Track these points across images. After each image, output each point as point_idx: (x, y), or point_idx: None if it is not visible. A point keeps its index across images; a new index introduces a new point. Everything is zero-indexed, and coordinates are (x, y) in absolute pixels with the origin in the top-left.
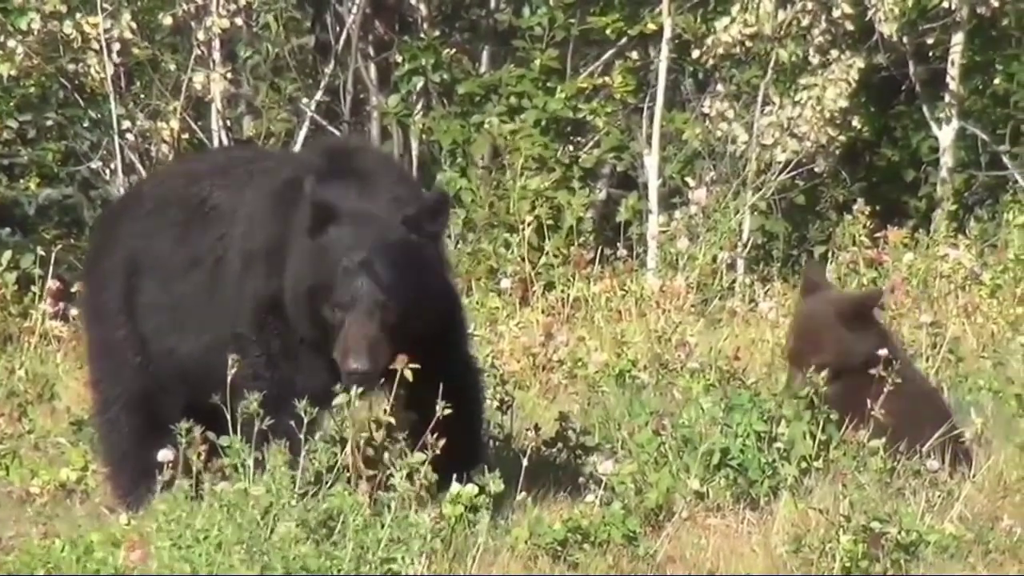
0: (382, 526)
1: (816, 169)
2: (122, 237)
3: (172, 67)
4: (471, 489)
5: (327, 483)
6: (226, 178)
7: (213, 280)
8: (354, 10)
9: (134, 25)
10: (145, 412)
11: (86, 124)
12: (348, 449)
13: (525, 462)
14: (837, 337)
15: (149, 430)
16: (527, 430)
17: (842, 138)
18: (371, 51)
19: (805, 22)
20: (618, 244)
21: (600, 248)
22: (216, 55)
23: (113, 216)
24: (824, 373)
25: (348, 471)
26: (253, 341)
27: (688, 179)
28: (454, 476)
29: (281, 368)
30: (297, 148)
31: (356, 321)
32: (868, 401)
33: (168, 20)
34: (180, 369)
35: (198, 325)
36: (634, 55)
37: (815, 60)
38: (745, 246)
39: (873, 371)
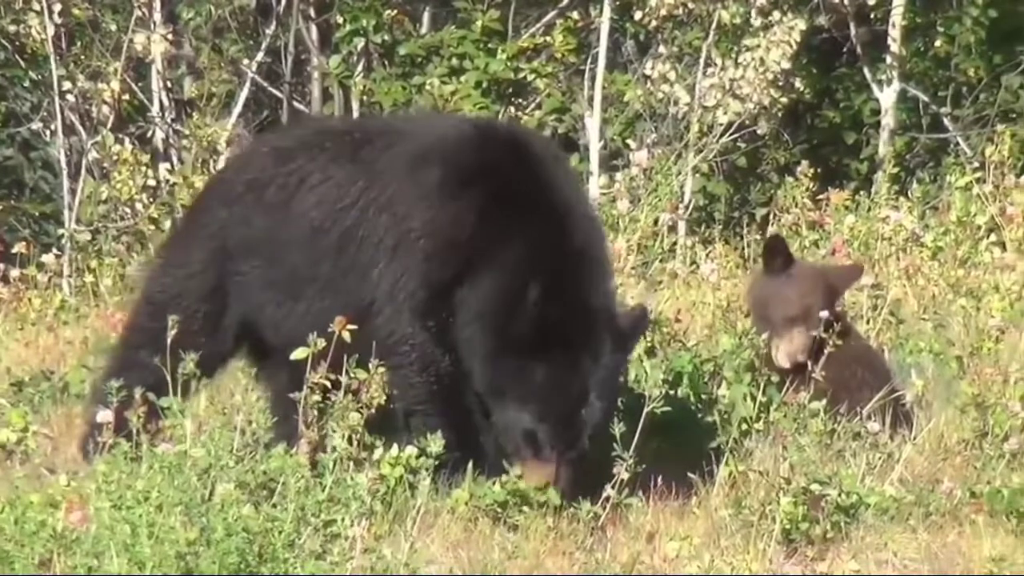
0: (322, 488)
1: (758, 131)
2: (209, 226)
3: (113, 28)
4: (411, 451)
5: (266, 445)
6: (324, 152)
7: (342, 251)
8: None
9: None
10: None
11: (26, 85)
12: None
13: None
14: (829, 307)
15: None
16: None
17: (784, 100)
18: (312, 12)
19: None
20: None
21: None
22: (157, 16)
23: (199, 205)
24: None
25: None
26: (420, 320)
27: (629, 141)
28: None
29: (441, 349)
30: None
31: (568, 466)
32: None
33: None
34: (288, 338)
35: (318, 293)
36: (575, 15)
37: (757, 22)
38: (687, 208)
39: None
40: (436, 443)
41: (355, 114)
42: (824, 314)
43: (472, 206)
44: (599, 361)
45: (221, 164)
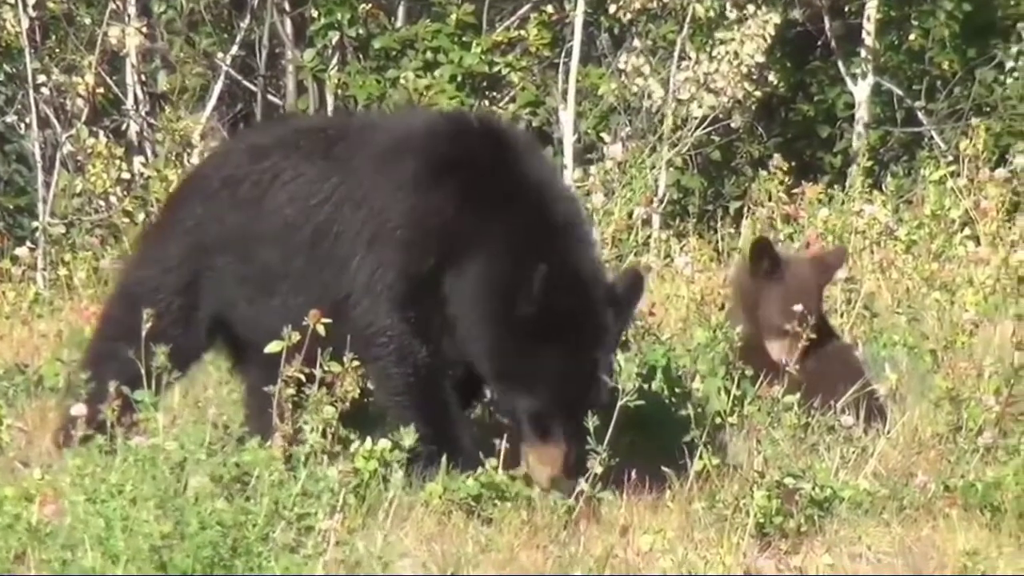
0: (296, 481)
1: (732, 124)
2: (185, 221)
3: (87, 21)
4: (385, 444)
5: (240, 439)
6: (298, 149)
7: (315, 246)
8: None
9: None
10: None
11: (1, 78)
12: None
13: None
14: (820, 301)
15: None
16: None
17: (758, 93)
18: (286, 5)
19: None
20: None
21: None
22: (131, 9)
23: (176, 200)
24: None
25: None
26: (399, 311)
27: (603, 134)
28: None
29: (419, 340)
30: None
31: (576, 444)
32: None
33: None
34: (262, 334)
35: (291, 288)
36: (549, 9)
37: (732, 15)
38: (661, 202)
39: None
40: (409, 436)
41: (330, 107)
42: (799, 308)
43: (450, 194)
44: (603, 337)
45: (196, 158)
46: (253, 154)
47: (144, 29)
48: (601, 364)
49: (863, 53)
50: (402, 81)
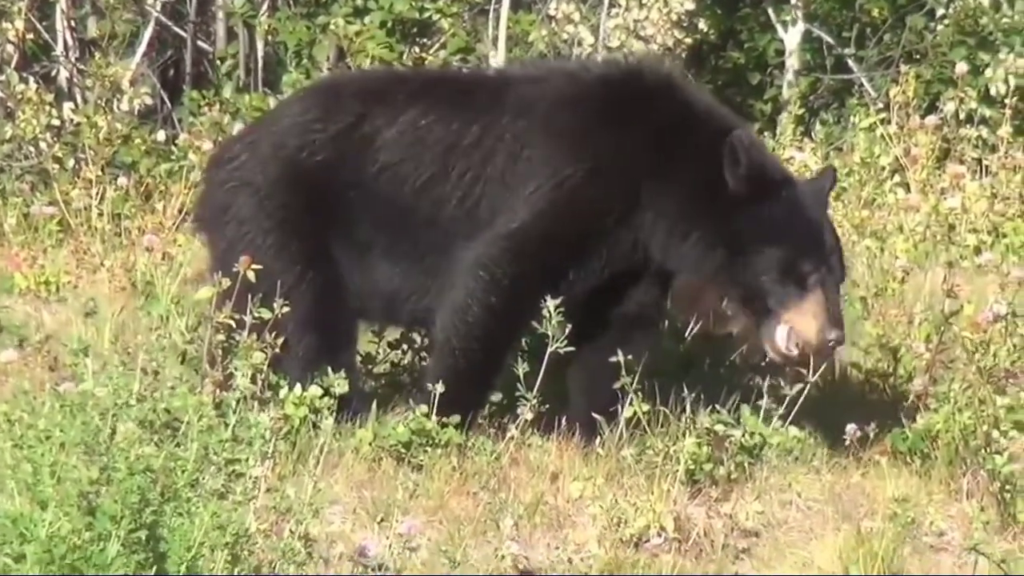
0: (226, 427)
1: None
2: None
3: None
4: (315, 391)
5: (172, 386)
6: (418, 99)
7: (463, 198)
8: None
9: None
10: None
11: None
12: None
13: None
14: None
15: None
16: (371, 330)
17: (688, 40)
18: None
19: None
20: None
21: None
22: None
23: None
24: None
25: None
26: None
27: None
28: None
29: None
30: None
31: (832, 293)
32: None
33: None
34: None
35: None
36: None
37: None
38: None
39: None
40: (340, 384)
41: (259, 54)
42: None
43: (637, 135)
44: (821, 198)
45: (125, 104)
46: (365, 101)
47: None
48: (827, 225)
49: (793, 0)
50: (332, 27)
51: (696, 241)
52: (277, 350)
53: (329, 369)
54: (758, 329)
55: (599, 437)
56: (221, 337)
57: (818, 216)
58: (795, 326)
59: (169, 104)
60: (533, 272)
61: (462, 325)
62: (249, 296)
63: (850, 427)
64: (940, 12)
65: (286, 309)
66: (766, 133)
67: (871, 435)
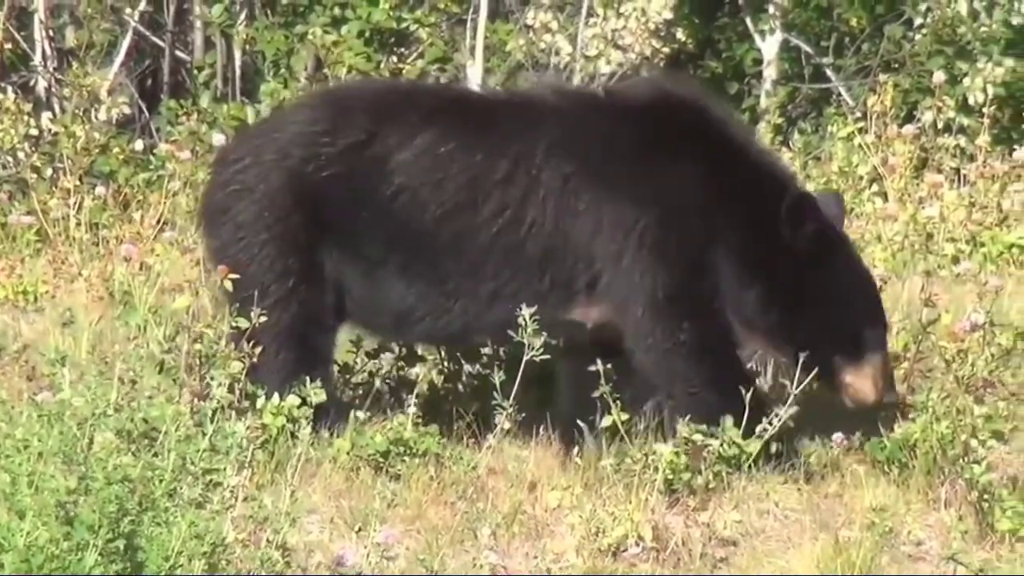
0: (203, 436)
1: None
2: (299, 197)
3: None
4: (293, 400)
5: (149, 395)
6: (432, 119)
7: (499, 232)
8: None
9: None
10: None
11: None
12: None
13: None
14: None
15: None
16: (350, 340)
17: (666, 50)
18: None
19: None
20: None
21: None
22: None
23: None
24: None
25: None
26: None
27: None
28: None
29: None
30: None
31: (886, 353)
32: None
33: None
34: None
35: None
36: None
37: None
38: None
39: None
40: (317, 394)
41: (237, 63)
42: None
43: (695, 173)
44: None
45: (103, 114)
46: (376, 118)
47: None
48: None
49: (771, 9)
50: (310, 37)
51: (758, 293)
52: (255, 360)
53: (307, 379)
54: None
55: (577, 446)
56: (199, 347)
57: (870, 274)
58: (854, 386)
59: (147, 113)
60: (697, 315)
61: (695, 404)
62: (233, 302)
63: (837, 436)
64: (918, 21)
65: (270, 320)
66: None
67: (856, 444)
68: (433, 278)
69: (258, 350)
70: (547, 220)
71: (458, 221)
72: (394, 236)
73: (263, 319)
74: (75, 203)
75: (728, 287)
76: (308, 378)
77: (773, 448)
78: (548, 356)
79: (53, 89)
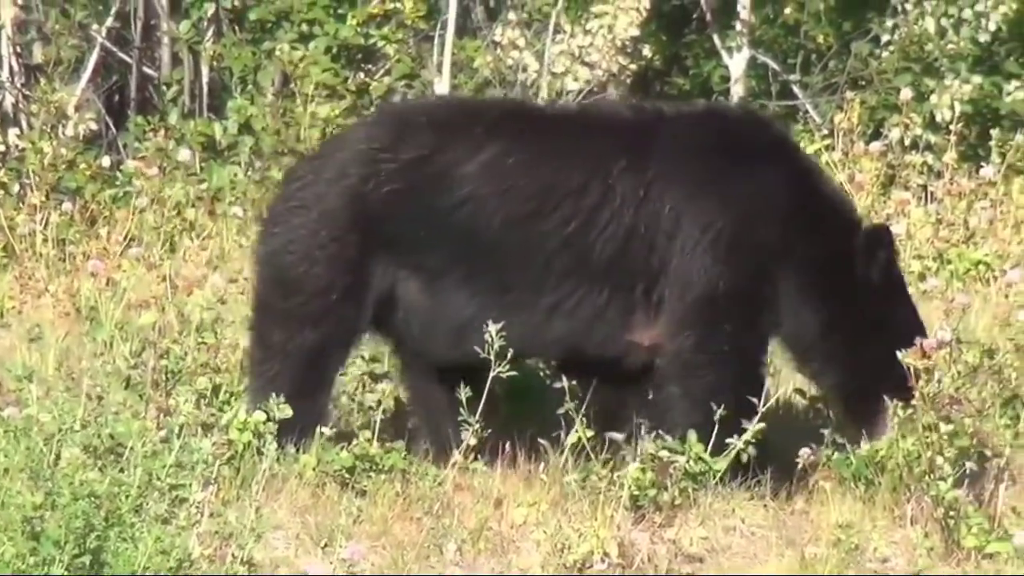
0: (169, 452)
1: (607, 98)
2: (359, 220)
3: None
4: (259, 416)
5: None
6: (495, 132)
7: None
8: None
9: None
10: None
11: None
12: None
13: None
14: None
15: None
16: None
17: (633, 67)
18: None
19: None
20: None
21: None
22: None
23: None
24: None
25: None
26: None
27: None
28: None
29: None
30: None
31: None
32: None
33: None
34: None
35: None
36: None
37: None
38: None
39: None
40: (282, 409)
41: (204, 79)
42: None
43: (769, 190)
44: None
45: (71, 130)
46: (439, 133)
47: (19, 0)
48: None
49: (738, 26)
50: (277, 53)
51: (823, 318)
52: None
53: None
54: (843, 407)
55: (543, 463)
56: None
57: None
58: (884, 422)
59: (114, 130)
60: (742, 321)
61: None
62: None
63: (804, 451)
64: (885, 38)
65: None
66: None
67: (823, 460)
68: (495, 288)
69: (269, 362)
70: (621, 229)
71: (524, 231)
72: (457, 247)
73: (284, 333)
74: (42, 219)
75: (790, 305)
76: (312, 399)
77: (744, 458)
78: (516, 373)
79: (20, 105)
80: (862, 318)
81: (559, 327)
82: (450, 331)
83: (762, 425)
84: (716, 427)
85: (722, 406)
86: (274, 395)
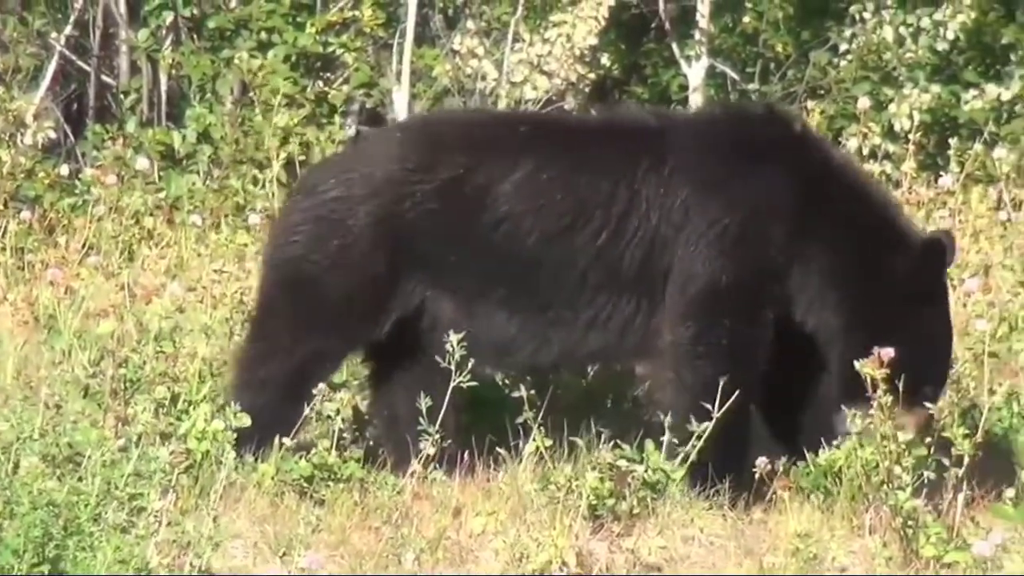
0: (128, 461)
1: (566, 107)
2: (388, 234)
3: None
4: (217, 425)
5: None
6: (523, 147)
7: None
8: None
9: None
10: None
11: None
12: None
13: None
14: None
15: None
16: None
17: (591, 76)
18: None
19: None
20: None
21: None
22: None
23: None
24: None
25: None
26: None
27: None
28: None
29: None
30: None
31: (932, 410)
32: None
33: None
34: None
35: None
36: None
37: None
38: None
39: None
40: (240, 418)
41: (163, 88)
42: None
43: (784, 186)
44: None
45: (29, 139)
46: (472, 151)
47: None
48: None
49: (697, 35)
50: (236, 61)
51: (847, 319)
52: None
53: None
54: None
55: (502, 472)
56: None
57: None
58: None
59: (72, 138)
60: (743, 316)
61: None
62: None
63: (760, 460)
64: (843, 48)
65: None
66: None
67: (779, 469)
68: (534, 307)
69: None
70: (647, 234)
71: (560, 247)
72: (494, 267)
73: (292, 337)
74: (0, 227)
75: (810, 304)
76: (298, 403)
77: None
78: (476, 382)
79: None
80: (888, 321)
81: (594, 340)
82: (492, 350)
83: (707, 425)
84: (706, 420)
85: (714, 400)
86: (264, 396)
